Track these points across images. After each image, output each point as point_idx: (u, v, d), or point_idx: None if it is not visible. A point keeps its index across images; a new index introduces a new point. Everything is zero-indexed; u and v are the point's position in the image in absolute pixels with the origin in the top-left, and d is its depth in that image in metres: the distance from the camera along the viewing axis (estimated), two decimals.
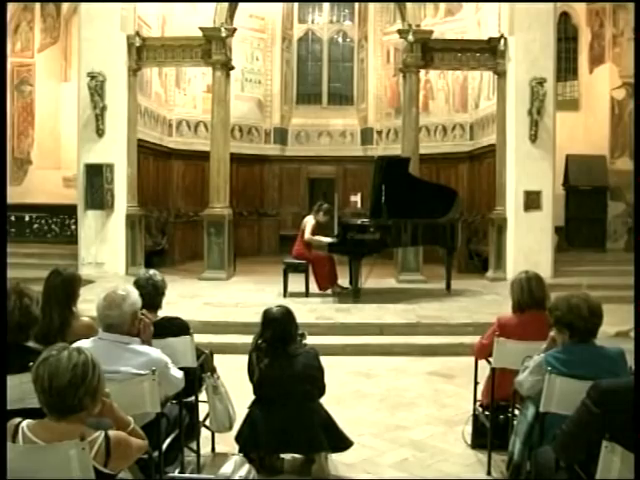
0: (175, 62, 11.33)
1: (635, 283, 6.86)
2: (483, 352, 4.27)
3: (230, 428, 4.08)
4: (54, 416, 2.29)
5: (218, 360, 4.49)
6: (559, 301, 3.28)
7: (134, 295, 3.35)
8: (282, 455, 4.00)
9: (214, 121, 11.02)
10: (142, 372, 3.14)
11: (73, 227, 12.03)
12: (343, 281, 9.48)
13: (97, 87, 10.33)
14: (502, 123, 10.76)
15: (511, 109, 10.59)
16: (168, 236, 12.55)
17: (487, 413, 4.22)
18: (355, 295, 8.79)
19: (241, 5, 11.54)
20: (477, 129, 13.44)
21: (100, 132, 10.51)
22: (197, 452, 4.02)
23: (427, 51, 10.70)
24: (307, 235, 9.24)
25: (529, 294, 4.05)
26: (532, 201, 10.56)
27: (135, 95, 10.89)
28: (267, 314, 3.91)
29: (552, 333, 3.36)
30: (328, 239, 9.16)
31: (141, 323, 3.37)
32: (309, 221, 9.32)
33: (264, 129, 15.84)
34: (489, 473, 4.05)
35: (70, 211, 11.78)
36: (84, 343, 3.13)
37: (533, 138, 10.45)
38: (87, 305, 3.94)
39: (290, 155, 15.95)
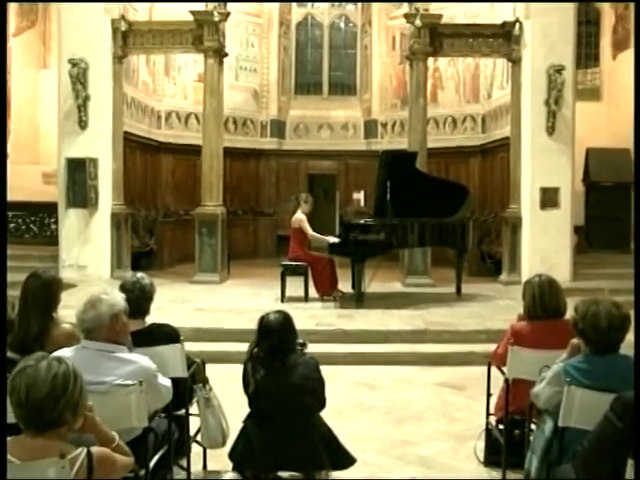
0: (164, 49, 11.33)
1: (635, 283, 6.99)
2: (499, 361, 4.26)
3: (223, 444, 4.07)
4: (31, 432, 2.28)
5: (210, 370, 4.48)
6: (580, 304, 3.27)
7: (114, 297, 3.33)
8: (279, 473, 3.98)
9: (206, 113, 11.01)
10: (128, 382, 3.12)
11: (53, 227, 12.03)
12: (345, 285, 9.47)
13: (79, 75, 10.33)
14: (517, 114, 10.75)
15: (526, 99, 10.58)
16: (157, 237, 12.53)
17: (501, 427, 4.21)
18: (358, 300, 8.78)
19: None
20: (490, 121, 13.43)
21: (83, 124, 10.51)
22: (187, 470, 4.01)
23: (436, 37, 10.69)
24: (310, 232, 9.19)
25: (540, 303, 4.02)
26: (549, 198, 10.55)
27: (121, 84, 10.89)
28: (264, 321, 3.89)
29: (574, 340, 3.34)
30: (332, 238, 9.14)
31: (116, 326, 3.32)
32: (301, 217, 9.24)
33: (260, 121, 15.85)
34: None
35: (50, 209, 11.77)
36: (65, 352, 3.12)
37: (550, 130, 10.45)
38: (68, 311, 3.92)
39: (288, 149, 15.95)
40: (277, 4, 15.79)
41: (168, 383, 3.50)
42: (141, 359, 3.30)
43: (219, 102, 11.10)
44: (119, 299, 3.36)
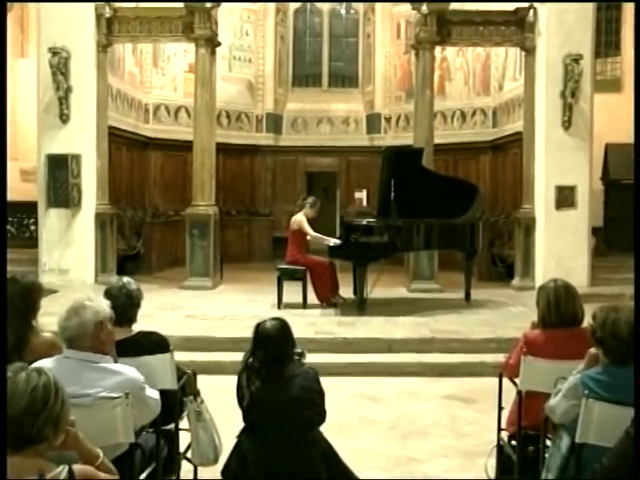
0: (152, 37, 11.32)
1: (635, 284, 7.08)
2: (511, 372, 4.26)
3: (215, 461, 4.06)
4: (8, 449, 2.27)
5: (202, 382, 4.49)
6: (599, 311, 3.27)
7: (99, 303, 3.33)
8: None
9: (197, 106, 11.02)
10: (114, 395, 3.12)
11: (33, 228, 12.04)
12: (346, 290, 9.47)
13: (60, 65, 10.33)
14: (530, 107, 10.77)
15: (541, 91, 10.60)
16: (144, 238, 12.54)
17: (514, 444, 4.20)
18: (360, 307, 8.80)
19: None
20: (501, 115, 13.44)
21: (64, 117, 10.52)
22: None
23: (444, 24, 10.71)
24: (311, 233, 9.21)
25: (556, 310, 4.01)
26: (565, 198, 10.56)
27: (105, 75, 10.90)
28: (259, 329, 3.88)
29: (592, 350, 3.34)
30: (334, 239, 9.15)
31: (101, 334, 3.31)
32: (301, 218, 9.27)
33: (255, 115, 15.86)
34: None
35: (29, 209, 11.78)
36: (45, 363, 3.12)
37: (567, 125, 10.46)
38: (49, 319, 3.91)
39: (285, 145, 15.97)
40: None
41: (156, 396, 3.50)
42: (127, 370, 3.29)
43: (211, 95, 11.12)
44: (104, 306, 3.35)
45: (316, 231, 9.33)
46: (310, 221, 9.35)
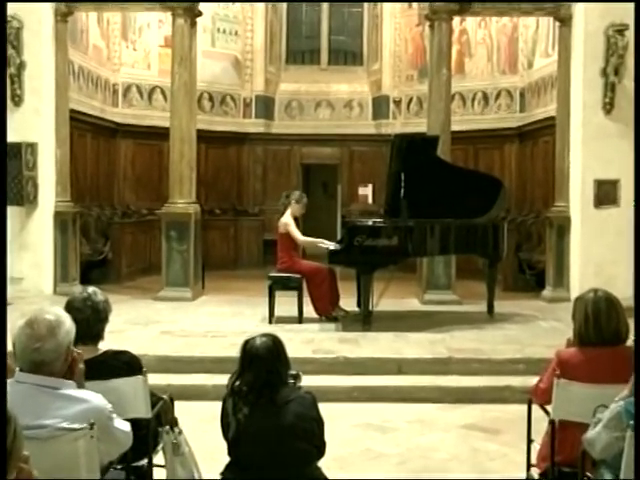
0: (120, 5, 11.34)
1: (635, 285, 7.19)
2: (542, 398, 4.26)
3: None
4: None
5: (180, 409, 4.49)
6: None
7: (68, 320, 3.32)
8: None
9: (175, 86, 11.02)
10: (76, 426, 3.12)
11: None
12: (348, 302, 9.47)
13: (11, 37, 10.33)
14: (565, 88, 10.79)
15: (578, 68, 10.61)
16: (113, 242, 12.56)
17: None
18: (365, 321, 8.80)
19: None
20: (530, 97, 13.48)
21: (17, 99, 10.51)
22: None
23: None
24: (299, 238, 9.22)
25: (595, 325, 4.01)
26: (606, 194, 10.57)
27: (65, 49, 10.91)
28: (248, 348, 3.89)
29: None
30: (331, 243, 9.16)
31: (69, 357, 3.32)
32: (287, 220, 9.27)
33: (243, 98, 15.91)
34: None
35: None
36: None
37: (608, 108, 10.46)
38: None
39: (278, 133, 16.01)
40: None
41: (126, 426, 3.50)
42: (92, 396, 3.29)
43: (191, 73, 11.13)
44: (72, 324, 3.34)
45: (311, 233, 9.33)
46: (298, 219, 9.36)
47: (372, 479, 5.27)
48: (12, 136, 10.52)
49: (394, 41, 15.83)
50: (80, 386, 3.41)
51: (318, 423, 3.90)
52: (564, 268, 10.72)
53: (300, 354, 6.92)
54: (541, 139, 12.74)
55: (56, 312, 3.33)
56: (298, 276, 9.15)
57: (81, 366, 3.47)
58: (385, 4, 15.84)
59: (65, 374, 3.31)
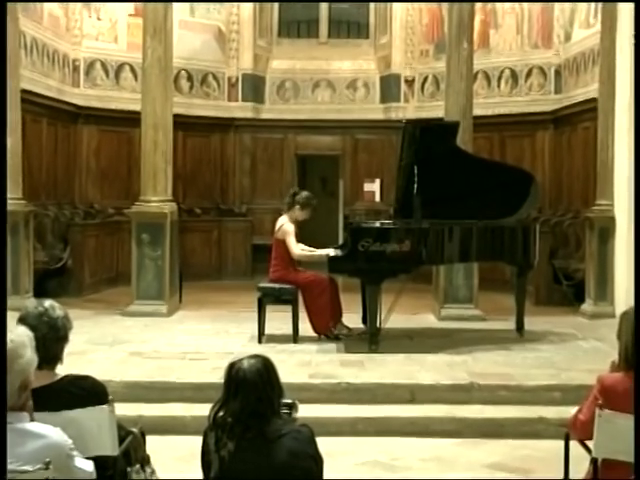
0: None
1: (635, 285, 7.69)
2: (582, 433, 4.25)
3: None
4: None
5: (153, 444, 4.49)
6: None
7: (29, 350, 3.29)
8: None
9: (147, 63, 11.02)
10: (28, 468, 3.10)
11: None
12: (352, 318, 9.47)
13: None
14: (609, 65, 10.81)
15: (624, 42, 10.61)
16: (73, 247, 12.55)
17: None
18: (372, 340, 8.79)
19: None
20: (568, 75, 13.50)
21: None
22: None
23: None
24: (294, 251, 9.17)
25: None
26: None
27: (16, 18, 10.90)
28: (234, 372, 3.88)
29: None
30: (329, 251, 9.16)
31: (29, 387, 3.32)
32: (286, 226, 9.26)
33: (227, 77, 15.92)
34: None
35: None
36: None
37: None
38: None
39: (269, 119, 16.02)
40: None
41: (89, 466, 3.49)
42: (49, 431, 3.28)
43: (166, 48, 11.12)
44: (34, 351, 3.32)
45: (310, 238, 9.34)
46: (298, 224, 9.35)
47: None
48: None
49: (406, 10, 15.81)
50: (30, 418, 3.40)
51: (316, 461, 3.90)
52: (607, 278, 10.74)
53: (295, 379, 6.95)
54: (580, 125, 12.75)
55: (16, 336, 3.29)
56: (293, 287, 9.14)
57: (28, 393, 3.46)
58: None
59: (23, 407, 3.31)
